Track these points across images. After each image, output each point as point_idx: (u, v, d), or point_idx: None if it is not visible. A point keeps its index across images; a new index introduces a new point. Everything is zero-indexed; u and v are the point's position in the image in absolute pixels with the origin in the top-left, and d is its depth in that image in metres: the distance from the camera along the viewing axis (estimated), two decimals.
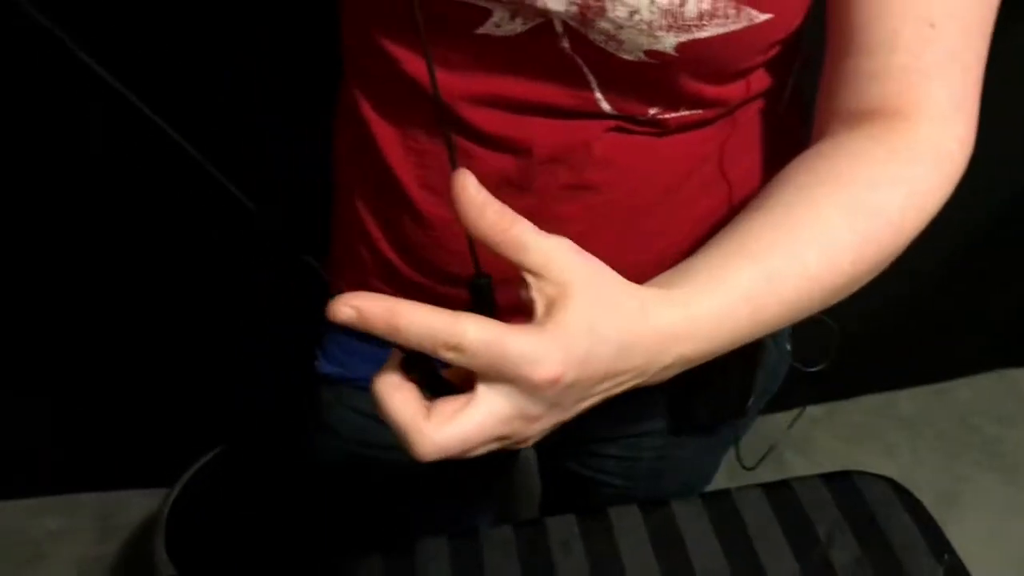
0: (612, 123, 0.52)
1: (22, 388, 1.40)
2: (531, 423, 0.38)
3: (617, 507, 0.74)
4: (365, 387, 0.71)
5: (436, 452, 0.37)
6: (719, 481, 0.84)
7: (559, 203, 0.54)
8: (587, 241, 0.39)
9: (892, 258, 0.47)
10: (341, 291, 0.67)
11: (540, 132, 0.52)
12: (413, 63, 0.51)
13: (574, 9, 0.45)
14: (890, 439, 1.76)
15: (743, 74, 0.51)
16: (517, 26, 0.47)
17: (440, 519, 0.76)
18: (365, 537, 0.73)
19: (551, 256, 0.37)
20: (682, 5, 0.44)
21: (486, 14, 0.47)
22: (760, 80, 0.54)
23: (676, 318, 0.40)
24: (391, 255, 0.61)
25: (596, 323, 0.37)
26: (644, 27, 0.45)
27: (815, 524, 0.73)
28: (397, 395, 0.38)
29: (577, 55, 0.48)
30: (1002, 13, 0.48)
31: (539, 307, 0.38)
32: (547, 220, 0.40)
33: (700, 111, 0.52)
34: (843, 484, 0.77)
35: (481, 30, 0.48)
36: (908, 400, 1.83)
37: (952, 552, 0.72)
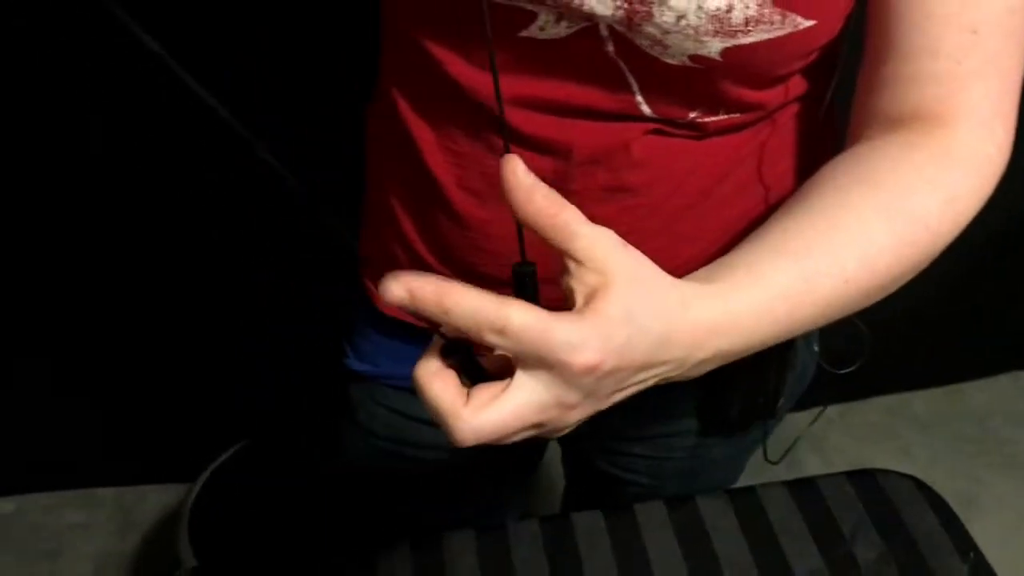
0: (652, 125, 0.52)
1: (41, 385, 1.41)
2: (567, 411, 0.39)
3: (642, 503, 0.75)
4: (395, 385, 0.73)
5: (474, 437, 0.37)
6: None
7: (596, 205, 0.54)
8: None
9: (928, 262, 0.47)
10: (368, 288, 0.67)
11: (580, 134, 0.52)
12: (456, 64, 0.51)
13: (621, 13, 0.45)
14: (905, 440, 1.76)
15: (783, 79, 0.52)
16: (561, 29, 0.47)
17: (468, 515, 0.77)
18: (391, 532, 0.74)
19: (596, 245, 0.38)
20: (729, 11, 0.44)
21: (531, 17, 0.47)
22: (798, 85, 0.54)
23: (716, 312, 0.41)
24: (426, 255, 0.62)
25: (636, 313, 0.38)
26: (690, 32, 0.45)
27: (840, 521, 0.74)
28: (437, 381, 0.38)
29: (620, 59, 0.48)
30: None
31: (579, 296, 0.38)
32: None
33: (739, 115, 0.53)
34: (867, 482, 0.77)
35: (525, 33, 0.48)
36: (923, 401, 1.83)
37: (977, 550, 0.72)
